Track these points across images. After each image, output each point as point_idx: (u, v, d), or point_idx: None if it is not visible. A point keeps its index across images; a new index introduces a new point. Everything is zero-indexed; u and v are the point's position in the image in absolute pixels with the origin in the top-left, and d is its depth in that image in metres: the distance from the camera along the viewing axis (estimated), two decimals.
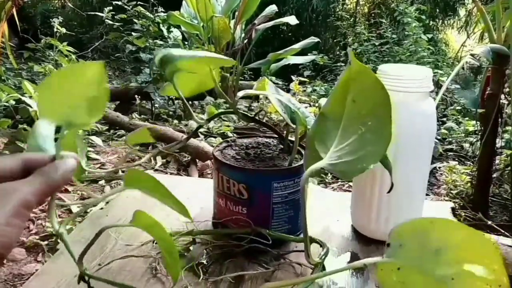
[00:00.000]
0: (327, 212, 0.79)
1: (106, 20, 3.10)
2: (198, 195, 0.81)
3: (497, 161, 2.27)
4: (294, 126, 0.67)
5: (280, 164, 0.67)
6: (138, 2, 3.17)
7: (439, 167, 2.43)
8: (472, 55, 1.41)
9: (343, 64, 4.47)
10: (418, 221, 0.42)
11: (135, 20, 3.05)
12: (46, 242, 1.57)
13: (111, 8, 3.16)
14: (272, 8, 2.76)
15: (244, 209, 0.65)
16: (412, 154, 0.63)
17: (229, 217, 0.66)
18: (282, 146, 0.73)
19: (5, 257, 0.34)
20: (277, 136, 0.75)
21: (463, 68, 1.54)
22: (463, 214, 1.91)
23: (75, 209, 1.81)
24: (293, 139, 0.69)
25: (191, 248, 0.64)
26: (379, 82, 0.47)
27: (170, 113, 3.18)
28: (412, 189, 0.67)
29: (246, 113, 0.71)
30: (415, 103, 0.62)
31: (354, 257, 0.66)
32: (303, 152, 0.70)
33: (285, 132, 0.73)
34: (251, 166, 0.65)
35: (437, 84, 2.63)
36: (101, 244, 0.66)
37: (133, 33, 3.02)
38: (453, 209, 0.80)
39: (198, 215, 0.73)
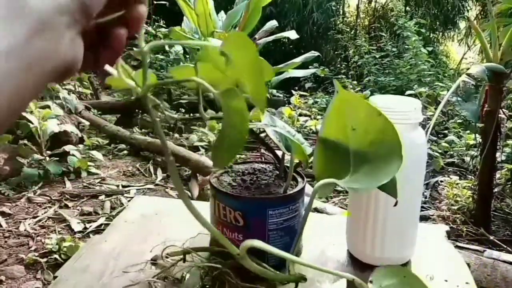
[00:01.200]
0: (323, 235, 0.79)
1: None
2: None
3: (498, 176, 2.27)
4: (289, 153, 0.68)
5: (276, 191, 0.67)
6: None
7: (441, 181, 2.43)
8: (468, 74, 1.42)
9: (344, 76, 4.50)
10: (396, 270, 0.45)
11: (136, 35, 3.07)
12: (45, 259, 1.56)
13: None
14: (273, 23, 2.79)
15: (240, 236, 0.65)
16: (404, 183, 0.64)
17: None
18: (278, 172, 0.74)
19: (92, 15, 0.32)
20: (273, 161, 0.76)
21: (463, 81, 1.54)
22: (465, 229, 1.91)
23: (75, 224, 1.82)
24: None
25: (186, 276, 0.64)
26: (374, 109, 0.49)
27: (171, 125, 3.20)
28: (405, 216, 0.68)
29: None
30: (405, 134, 0.63)
31: (349, 284, 0.66)
32: (298, 178, 0.71)
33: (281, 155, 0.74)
34: (246, 194, 0.66)
35: (436, 100, 2.64)
36: (98, 272, 0.66)
37: (134, 48, 3.04)
38: (448, 232, 0.80)
39: (195, 240, 0.73)
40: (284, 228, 0.66)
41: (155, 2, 3.08)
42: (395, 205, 0.57)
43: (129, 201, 2.05)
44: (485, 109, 1.73)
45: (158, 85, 0.48)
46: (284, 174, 0.72)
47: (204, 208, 0.82)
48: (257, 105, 0.44)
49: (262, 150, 2.77)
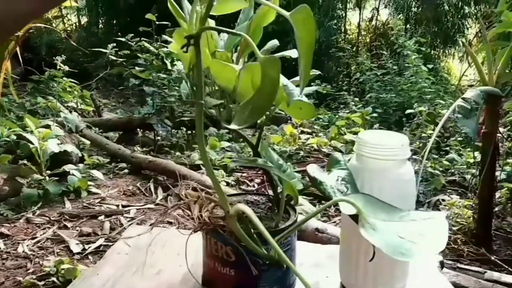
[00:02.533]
0: (317, 268, 0.79)
1: (110, 56, 3.18)
2: (189, 251, 0.81)
3: (499, 195, 2.26)
4: (281, 186, 0.68)
5: (267, 225, 0.67)
6: (142, 38, 3.24)
7: (442, 200, 2.41)
8: (464, 98, 1.43)
9: (345, 92, 4.52)
10: None
11: (139, 55, 3.12)
12: (43, 282, 1.55)
13: (114, 44, 3.24)
14: (274, 42, 2.82)
15: (232, 271, 0.65)
16: None
17: (217, 277, 0.67)
18: (270, 204, 0.74)
19: None
20: (266, 193, 0.76)
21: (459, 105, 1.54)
22: (466, 249, 1.89)
23: (73, 246, 1.81)
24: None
25: None
26: None
27: (173, 143, 3.21)
28: None
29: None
30: (393, 169, 0.65)
31: None
32: (290, 212, 0.71)
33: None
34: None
35: (434, 121, 2.64)
36: None
37: (136, 67, 3.08)
38: (441, 263, 0.80)
39: (187, 273, 0.73)
40: (277, 261, 0.65)
41: (157, 22, 3.12)
42: (371, 260, 0.57)
43: (129, 221, 2.05)
44: (482, 130, 1.74)
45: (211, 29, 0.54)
46: (277, 207, 0.72)
47: (200, 239, 0.81)
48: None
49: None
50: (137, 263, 0.78)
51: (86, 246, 1.83)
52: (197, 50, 0.52)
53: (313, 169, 0.59)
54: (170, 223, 2.01)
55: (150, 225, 1.94)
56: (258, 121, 0.77)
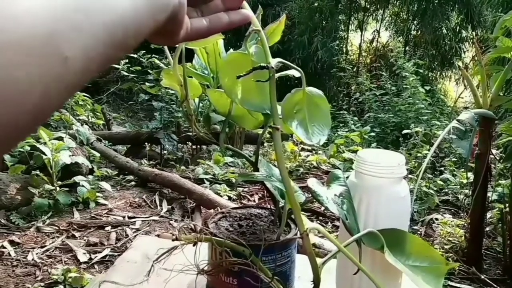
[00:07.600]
0: None
1: (121, 71, 3.29)
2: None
3: (490, 215, 2.32)
4: (283, 201, 0.76)
5: (269, 237, 0.74)
6: (153, 55, 3.35)
7: (436, 219, 2.48)
8: (458, 120, 1.50)
9: (345, 111, 4.63)
10: None
11: (149, 71, 3.23)
12: None
13: (126, 60, 3.36)
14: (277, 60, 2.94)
15: (235, 281, 0.70)
16: None
17: (220, 287, 0.72)
18: (273, 217, 0.81)
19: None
20: (269, 207, 0.84)
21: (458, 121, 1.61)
22: (457, 268, 1.95)
23: (81, 255, 1.88)
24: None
25: None
26: None
27: (178, 157, 3.30)
28: (390, 265, 0.73)
29: None
30: (390, 187, 0.68)
31: None
32: (291, 225, 0.78)
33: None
34: (241, 240, 0.73)
35: (429, 142, 2.73)
36: None
37: (146, 83, 3.19)
38: None
39: (192, 282, 0.76)
40: (277, 273, 0.68)
41: None
42: (355, 273, 0.62)
43: (134, 232, 2.12)
44: (476, 152, 1.81)
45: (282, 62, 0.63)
46: (279, 220, 0.79)
47: (203, 250, 0.87)
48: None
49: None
50: (145, 272, 0.83)
51: (93, 256, 1.89)
52: (272, 81, 0.59)
53: (313, 183, 0.65)
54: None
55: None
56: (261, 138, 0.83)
